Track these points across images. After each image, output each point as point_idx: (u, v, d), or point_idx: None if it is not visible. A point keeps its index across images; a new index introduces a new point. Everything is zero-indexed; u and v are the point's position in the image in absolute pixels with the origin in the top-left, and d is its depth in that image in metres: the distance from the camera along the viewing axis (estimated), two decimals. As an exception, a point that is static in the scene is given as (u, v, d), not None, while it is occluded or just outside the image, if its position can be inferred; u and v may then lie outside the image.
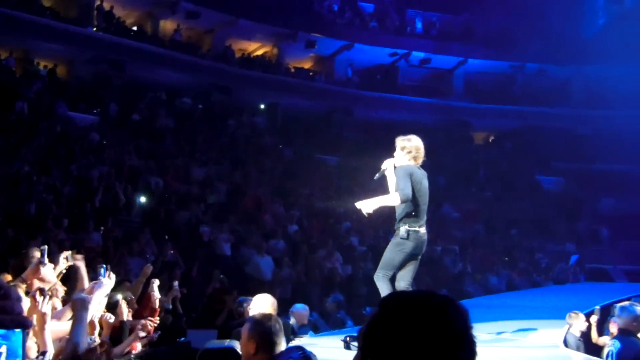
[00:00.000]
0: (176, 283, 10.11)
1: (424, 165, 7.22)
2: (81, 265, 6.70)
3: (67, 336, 4.56)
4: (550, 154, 31.63)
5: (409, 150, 7.16)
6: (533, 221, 26.44)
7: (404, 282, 7.10)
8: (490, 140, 35.64)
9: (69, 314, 4.93)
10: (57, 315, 5.08)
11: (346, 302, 13.40)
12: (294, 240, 17.55)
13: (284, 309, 9.76)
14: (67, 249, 6.42)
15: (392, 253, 7.03)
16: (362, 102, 31.38)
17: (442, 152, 30.21)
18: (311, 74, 32.79)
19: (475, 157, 31.75)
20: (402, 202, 6.92)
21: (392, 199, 7.02)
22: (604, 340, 9.10)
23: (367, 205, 7.03)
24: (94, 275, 6.15)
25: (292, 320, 9.27)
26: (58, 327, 4.73)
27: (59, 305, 5.70)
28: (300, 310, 9.56)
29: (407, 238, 6.96)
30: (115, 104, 23.60)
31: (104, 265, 5.63)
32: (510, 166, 31.26)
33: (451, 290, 16.77)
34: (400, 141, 7.26)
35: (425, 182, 7.05)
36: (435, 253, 19.95)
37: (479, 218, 25.04)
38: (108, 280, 5.51)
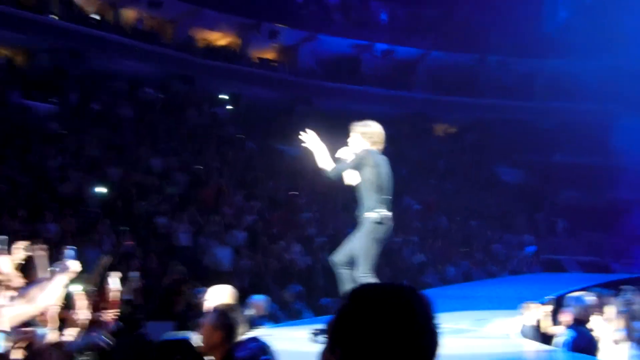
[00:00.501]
0: (136, 274, 10.03)
1: (385, 154, 7.21)
2: (42, 256, 6.65)
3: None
4: (511, 147, 31.92)
5: (369, 136, 7.11)
6: (493, 213, 26.72)
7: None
8: (451, 132, 35.88)
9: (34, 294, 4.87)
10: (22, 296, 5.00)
11: (305, 293, 13.43)
12: (253, 231, 17.56)
13: (242, 299, 9.78)
14: (24, 240, 6.34)
15: (366, 243, 6.86)
16: (325, 93, 31.36)
17: (403, 144, 30.38)
18: (274, 64, 32.69)
19: (436, 149, 31.94)
20: (329, 176, 7.03)
21: (328, 165, 7.07)
22: (554, 330, 9.26)
23: (315, 151, 7.16)
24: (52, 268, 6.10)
25: (251, 311, 9.28)
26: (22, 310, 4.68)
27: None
28: (259, 301, 9.60)
29: (381, 222, 6.83)
30: (75, 94, 23.34)
31: (73, 247, 5.49)
32: (471, 158, 31.51)
33: (411, 281, 16.91)
34: (360, 127, 7.22)
35: (385, 169, 6.96)
36: (395, 244, 20.08)
37: (439, 209, 25.21)
38: (75, 264, 5.33)
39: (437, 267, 19.57)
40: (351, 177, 7.11)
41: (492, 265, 21.02)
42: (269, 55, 33.30)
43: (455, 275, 19.29)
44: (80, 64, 25.44)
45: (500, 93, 33.30)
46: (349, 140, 7.24)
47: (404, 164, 28.18)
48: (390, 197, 6.98)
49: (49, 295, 5.08)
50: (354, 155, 7.10)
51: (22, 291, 5.15)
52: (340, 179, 7.15)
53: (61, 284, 5.19)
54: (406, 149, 30.14)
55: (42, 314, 5.76)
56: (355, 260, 6.96)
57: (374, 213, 6.84)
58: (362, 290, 1.98)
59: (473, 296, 12.96)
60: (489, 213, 26.51)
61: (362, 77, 33.40)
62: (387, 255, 18.86)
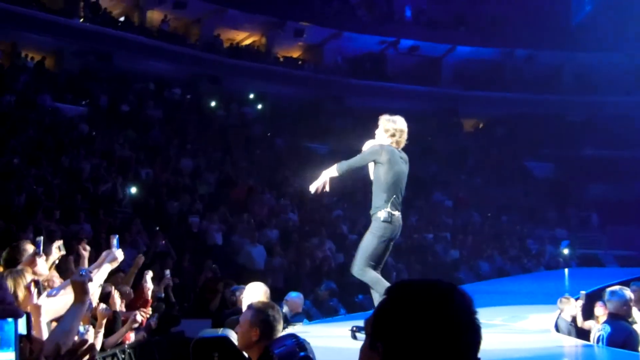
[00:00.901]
0: (168, 272, 10.12)
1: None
2: (85, 256, 6.72)
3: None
4: (540, 141, 31.69)
5: (392, 133, 6.96)
6: (523, 207, 26.55)
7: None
8: (480, 127, 35.68)
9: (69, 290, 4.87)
10: (58, 291, 5.01)
11: (339, 290, 13.43)
12: (285, 229, 17.59)
13: (276, 297, 9.80)
14: (58, 239, 6.39)
15: (373, 241, 6.76)
16: (352, 91, 31.35)
17: (432, 140, 30.31)
18: (300, 62, 32.73)
19: (465, 144, 31.79)
20: (337, 172, 6.91)
21: (332, 169, 6.95)
22: (590, 324, 9.18)
23: (314, 185, 6.99)
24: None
25: (286, 309, 9.30)
26: (58, 305, 4.67)
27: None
28: (295, 298, 9.59)
29: (390, 222, 6.74)
30: (104, 95, 23.53)
31: (117, 235, 5.41)
32: (500, 153, 31.33)
33: (443, 278, 16.77)
34: (385, 122, 7.06)
35: (401, 167, 6.85)
36: (427, 241, 20.04)
37: (470, 205, 25.09)
38: (120, 253, 5.25)
39: (471, 263, 19.48)
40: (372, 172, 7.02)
41: (527, 260, 20.88)
42: (295, 53, 33.35)
43: (489, 271, 19.19)
44: (108, 66, 25.66)
45: (527, 87, 33.08)
46: (377, 131, 7.08)
47: (434, 159, 28.15)
48: (401, 193, 6.85)
49: (97, 283, 5.09)
50: (366, 148, 7.01)
51: (59, 287, 5.16)
52: (350, 173, 7.09)
53: (105, 272, 5.20)
54: (435, 144, 30.07)
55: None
56: (356, 255, 6.88)
57: (383, 212, 6.71)
58: (403, 286, 1.98)
59: (508, 291, 12.89)
60: (520, 208, 26.34)
61: (389, 74, 33.36)
62: (420, 252, 18.85)
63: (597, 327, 8.07)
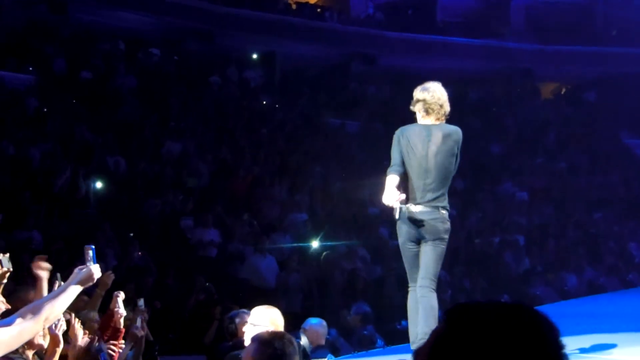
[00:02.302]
0: (142, 301, 9.89)
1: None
2: (44, 276, 6.77)
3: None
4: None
5: (422, 104, 7.48)
6: (624, 200, 26.39)
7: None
8: (562, 93, 35.48)
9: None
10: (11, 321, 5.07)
11: (375, 315, 13.47)
12: (303, 235, 17.61)
13: (292, 325, 9.83)
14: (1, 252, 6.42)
15: (400, 247, 7.51)
16: (389, 47, 31.30)
17: (498, 111, 30.17)
18: (319, 10, 32.71)
19: (544, 116, 31.65)
20: (396, 175, 7.36)
21: (391, 178, 7.40)
22: None
23: (388, 197, 7.26)
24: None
25: (304, 340, 9.34)
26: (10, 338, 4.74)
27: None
28: (315, 326, 9.65)
29: (399, 218, 7.35)
30: (58, 59, 23.61)
31: (93, 247, 5.52)
32: (591, 127, 31.15)
33: (515, 295, 16.81)
34: (415, 93, 7.60)
35: (419, 144, 7.35)
36: (492, 247, 19.98)
37: (550, 198, 25.00)
38: (97, 269, 5.38)
39: (551, 275, 19.41)
40: None
41: (628, 271, 20.77)
42: (313, -1, 33.42)
43: (577, 286, 19.12)
44: (63, 20, 25.71)
45: (627, 39, 32.85)
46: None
47: (501, 137, 28.03)
48: (424, 178, 7.36)
49: (58, 310, 5.13)
50: None
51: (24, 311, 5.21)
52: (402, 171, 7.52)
53: (74, 297, 5.24)
54: (503, 117, 29.93)
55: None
56: None
57: (402, 208, 7.31)
58: (464, 311, 1.99)
59: (603, 314, 12.84)
60: (619, 201, 26.19)
61: (439, 23, 33.26)
62: (483, 262, 18.82)
63: None
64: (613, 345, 9.24)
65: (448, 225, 7.46)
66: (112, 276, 8.89)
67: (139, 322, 8.70)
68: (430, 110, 7.39)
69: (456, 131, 7.49)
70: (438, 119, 7.41)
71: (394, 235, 18.42)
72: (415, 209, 7.27)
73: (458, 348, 1.89)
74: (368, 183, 21.81)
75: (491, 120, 28.88)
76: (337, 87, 29.77)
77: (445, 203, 7.46)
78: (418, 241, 7.34)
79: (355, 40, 31.11)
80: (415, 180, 7.33)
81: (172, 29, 27.75)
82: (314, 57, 30.15)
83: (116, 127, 20.86)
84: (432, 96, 7.40)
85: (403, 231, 7.37)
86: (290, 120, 25.68)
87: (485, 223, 21.44)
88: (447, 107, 7.49)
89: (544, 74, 33.54)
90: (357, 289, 15.48)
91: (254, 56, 30.08)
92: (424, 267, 7.36)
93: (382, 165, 22.99)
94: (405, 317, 13.07)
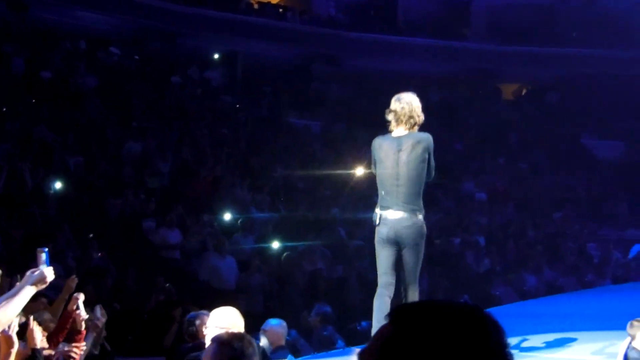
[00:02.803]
0: (98, 309, 9.63)
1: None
2: None
3: None
4: (605, 112, 31.71)
5: (389, 113, 8.11)
6: (584, 201, 26.58)
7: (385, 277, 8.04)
8: (523, 94, 35.67)
9: None
10: None
11: (335, 315, 13.47)
12: (264, 235, 17.59)
13: (252, 326, 9.82)
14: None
15: (376, 250, 8.07)
16: (352, 48, 31.35)
17: (460, 112, 30.29)
18: (281, 10, 32.69)
19: (505, 117, 31.82)
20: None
21: None
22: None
23: None
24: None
25: (264, 341, 9.34)
26: None
27: None
28: (275, 327, 9.63)
29: (378, 224, 7.92)
30: (17, 58, 23.45)
31: (46, 249, 5.51)
32: (552, 128, 31.34)
33: (475, 295, 16.88)
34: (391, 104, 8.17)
35: (389, 153, 7.97)
36: (454, 247, 20.05)
37: (511, 198, 25.13)
38: (50, 272, 5.40)
39: (511, 275, 19.53)
40: None
41: (587, 272, 20.92)
42: (275, -1, 33.41)
43: (537, 286, 19.24)
44: (23, 18, 25.54)
45: (588, 39, 33.06)
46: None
47: (462, 138, 28.13)
48: (393, 186, 7.96)
49: (11, 312, 5.10)
50: None
51: None
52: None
53: (27, 298, 5.21)
54: (464, 118, 30.05)
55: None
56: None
57: (375, 211, 8.02)
58: (411, 312, 2.00)
59: (562, 314, 12.94)
60: (578, 202, 26.38)
61: (401, 24, 33.34)
62: (443, 262, 18.88)
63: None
64: (570, 345, 9.33)
65: (424, 228, 7.99)
66: (76, 280, 8.85)
67: (98, 312, 8.63)
68: (400, 121, 7.90)
69: (426, 138, 7.99)
70: (409, 129, 7.92)
71: (353, 235, 18.55)
72: (392, 215, 7.80)
73: (406, 349, 1.89)
74: (330, 183, 21.86)
75: (453, 121, 28.98)
76: (299, 87, 29.80)
77: (420, 207, 7.96)
78: (396, 245, 7.84)
79: (317, 41, 31.14)
80: (389, 188, 7.85)
81: (134, 29, 27.67)
82: (276, 57, 30.16)
83: (76, 127, 20.74)
84: (402, 107, 7.94)
85: (382, 234, 7.86)
86: (252, 120, 25.66)
87: (446, 223, 21.50)
88: (418, 117, 8.02)
89: (505, 75, 33.73)
90: (318, 289, 15.48)
91: (216, 56, 30.05)
92: (407, 271, 7.94)
93: (344, 165, 23.06)
94: (366, 318, 13.16)
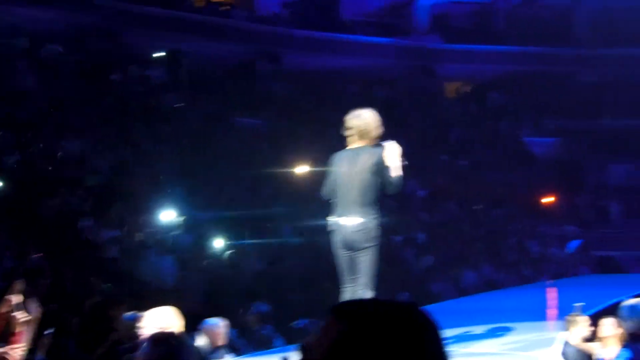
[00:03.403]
0: (32, 305, 9.46)
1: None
2: None
3: None
4: (544, 109, 31.99)
5: (346, 129, 8.76)
6: (523, 198, 26.81)
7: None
8: (466, 92, 35.90)
9: None
10: None
11: (274, 314, 13.47)
12: (202, 234, 17.53)
13: (193, 326, 9.78)
14: None
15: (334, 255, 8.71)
16: (295, 45, 31.32)
17: (402, 110, 30.37)
18: (225, 9, 32.58)
19: (447, 115, 31.98)
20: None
21: None
22: (605, 349, 9.30)
23: None
24: None
25: (204, 340, 9.30)
26: None
27: None
28: (214, 327, 9.62)
29: (333, 230, 8.58)
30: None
31: None
32: (492, 126, 31.57)
33: (415, 292, 16.96)
34: (346, 121, 8.81)
35: (343, 164, 8.58)
36: (394, 244, 20.12)
37: (452, 195, 25.28)
38: None
39: (451, 272, 19.65)
40: None
41: (525, 268, 21.12)
42: (218, -4, 33.28)
43: (476, 283, 19.38)
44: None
45: (528, 38, 33.33)
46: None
47: (403, 135, 28.17)
48: (346, 195, 8.54)
49: None
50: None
51: None
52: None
53: None
54: (406, 115, 30.15)
55: None
56: None
57: (330, 219, 8.68)
58: (346, 309, 2.04)
59: (501, 310, 13.04)
60: (517, 198, 26.60)
61: (344, 22, 33.35)
62: (384, 259, 18.91)
63: (614, 353, 8.19)
64: (511, 342, 9.40)
65: (375, 232, 8.56)
66: (23, 284, 8.69)
67: (34, 307, 8.56)
68: (358, 136, 8.53)
69: (379, 151, 8.49)
70: (365, 143, 8.50)
71: (295, 234, 18.54)
72: (345, 221, 8.45)
73: (358, 349, 1.93)
74: (273, 181, 21.85)
75: (395, 119, 29.07)
76: (243, 86, 29.72)
77: (372, 213, 8.51)
78: (351, 249, 8.49)
79: (261, 39, 31.07)
80: (343, 196, 8.49)
81: (75, 26, 27.38)
82: (220, 55, 30.04)
83: (14, 124, 20.51)
84: (358, 124, 8.57)
85: (337, 240, 8.55)
86: (195, 119, 25.56)
87: (388, 221, 21.56)
88: (375, 132, 8.60)
89: (447, 72, 33.88)
90: (258, 288, 15.47)
91: (159, 54, 29.85)
92: (363, 273, 8.53)
93: (287, 163, 23.03)
94: (305, 316, 13.19)
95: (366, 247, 8.54)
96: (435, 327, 2.00)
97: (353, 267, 8.59)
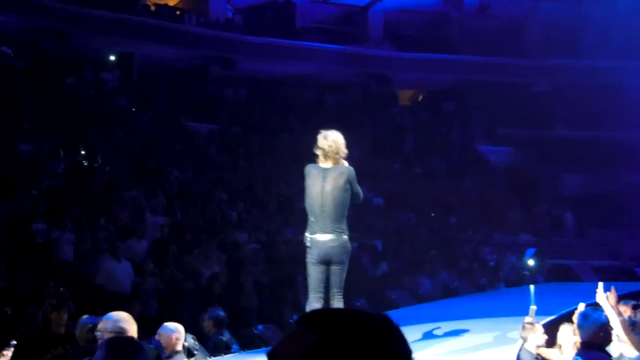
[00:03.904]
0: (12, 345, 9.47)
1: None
2: None
3: None
4: (498, 118, 32.18)
5: (317, 148, 8.90)
6: (477, 205, 26.94)
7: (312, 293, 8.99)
8: (419, 100, 36.02)
9: None
10: None
11: (230, 319, 13.39)
12: (159, 238, 17.43)
13: (148, 330, 9.71)
14: None
15: (307, 267, 8.98)
16: (248, 51, 31.26)
17: (356, 117, 30.42)
18: (178, 13, 32.49)
19: (400, 122, 32.07)
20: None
21: None
22: (559, 356, 9.38)
23: None
24: None
25: (159, 346, 9.22)
26: None
27: None
28: (170, 331, 9.51)
29: (310, 246, 8.88)
30: None
31: None
32: (446, 134, 31.71)
33: (371, 298, 16.98)
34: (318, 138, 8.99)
35: (316, 183, 8.86)
36: (352, 251, 20.13)
37: (406, 203, 25.34)
38: None
39: (406, 279, 19.68)
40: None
41: (481, 275, 21.22)
42: (171, 1, 33.10)
43: (432, 290, 19.42)
44: None
45: (481, 47, 33.50)
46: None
47: (358, 143, 28.25)
48: (322, 211, 8.83)
49: None
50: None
51: None
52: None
53: None
54: (360, 123, 30.20)
55: None
56: None
57: (306, 235, 8.94)
58: (317, 318, 2.07)
59: (456, 317, 13.05)
60: (472, 206, 26.73)
61: (298, 29, 33.37)
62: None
63: (567, 358, 8.26)
64: (466, 348, 9.43)
65: (349, 246, 9.00)
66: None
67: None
68: (327, 157, 8.83)
69: (347, 171, 8.92)
70: (334, 163, 8.84)
71: (252, 239, 18.49)
72: (321, 237, 8.77)
73: (333, 356, 1.97)
74: (226, 186, 21.79)
75: (348, 126, 29.10)
76: (195, 90, 29.64)
77: (344, 229, 8.89)
78: (325, 263, 8.79)
79: (214, 44, 30.99)
80: (317, 214, 8.82)
81: (28, 28, 27.15)
82: (173, 59, 29.97)
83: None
84: (329, 146, 8.83)
85: (313, 255, 8.84)
86: (148, 123, 25.45)
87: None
88: (343, 152, 8.91)
89: (401, 80, 33.99)
90: (214, 293, 15.41)
91: (112, 58, 29.70)
92: (336, 284, 8.87)
93: (239, 168, 22.88)
94: (261, 322, 13.18)
95: (341, 261, 8.89)
96: (404, 337, 2.04)
97: (324, 279, 8.92)
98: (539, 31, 34.65)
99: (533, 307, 10.27)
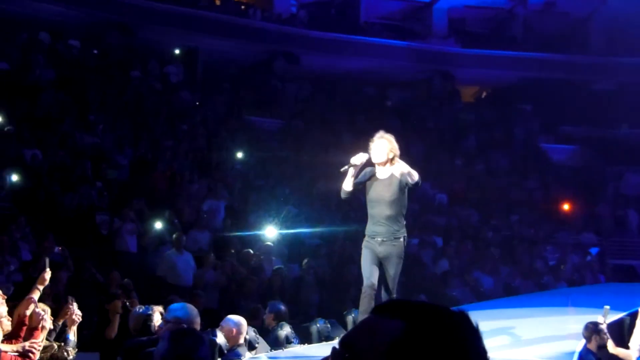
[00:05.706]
0: (74, 304, 9.46)
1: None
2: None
3: None
4: (561, 116, 31.92)
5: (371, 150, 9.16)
6: (539, 204, 26.72)
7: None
8: (482, 96, 35.81)
9: None
10: None
11: (291, 314, 13.41)
12: (221, 231, 17.52)
13: (210, 323, 9.77)
14: None
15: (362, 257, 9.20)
16: (312, 46, 31.29)
17: (419, 113, 30.34)
18: (243, 8, 32.58)
19: (463, 119, 31.92)
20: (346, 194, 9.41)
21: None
22: (626, 356, 9.29)
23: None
24: None
25: (221, 338, 9.25)
26: None
27: None
28: (233, 325, 9.53)
29: (369, 241, 9.16)
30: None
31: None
32: (509, 132, 31.50)
33: (432, 295, 16.92)
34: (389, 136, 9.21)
35: (374, 183, 9.16)
36: (411, 247, 20.08)
37: (468, 200, 25.21)
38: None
39: (467, 276, 19.59)
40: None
41: (543, 274, 21.04)
42: (236, -4, 33.27)
43: (493, 288, 19.31)
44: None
45: (545, 45, 33.25)
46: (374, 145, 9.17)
47: (421, 139, 28.18)
48: (378, 214, 9.13)
49: None
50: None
51: None
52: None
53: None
54: (423, 119, 30.12)
55: None
56: None
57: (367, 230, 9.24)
58: (400, 308, 2.06)
59: (517, 315, 12.98)
60: (535, 204, 26.51)
61: (362, 25, 33.33)
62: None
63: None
64: (527, 345, 9.38)
65: (405, 244, 9.29)
66: (49, 272, 8.72)
67: (75, 305, 8.74)
68: (383, 157, 9.08)
69: (400, 169, 9.08)
70: (390, 163, 9.11)
71: (314, 234, 18.50)
72: (380, 234, 9.07)
73: (418, 349, 1.97)
74: (285, 182, 21.85)
75: (411, 122, 29.03)
76: (259, 85, 29.71)
77: (403, 227, 9.18)
78: (385, 260, 9.04)
79: (278, 39, 31.05)
80: (377, 212, 9.10)
81: (94, 22, 27.40)
82: (237, 54, 30.04)
83: (33, 119, 20.56)
84: (385, 146, 9.09)
85: (369, 249, 9.10)
86: (211, 117, 25.57)
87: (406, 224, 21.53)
88: (396, 153, 9.16)
89: (464, 77, 33.82)
90: (275, 287, 15.45)
91: (176, 51, 29.86)
92: (390, 280, 9.13)
93: (302, 162, 22.87)
94: (322, 316, 13.18)
95: (398, 258, 9.11)
96: (481, 334, 2.05)
97: (379, 274, 9.14)
98: (604, 29, 34.24)
99: (607, 307, 10.19)
